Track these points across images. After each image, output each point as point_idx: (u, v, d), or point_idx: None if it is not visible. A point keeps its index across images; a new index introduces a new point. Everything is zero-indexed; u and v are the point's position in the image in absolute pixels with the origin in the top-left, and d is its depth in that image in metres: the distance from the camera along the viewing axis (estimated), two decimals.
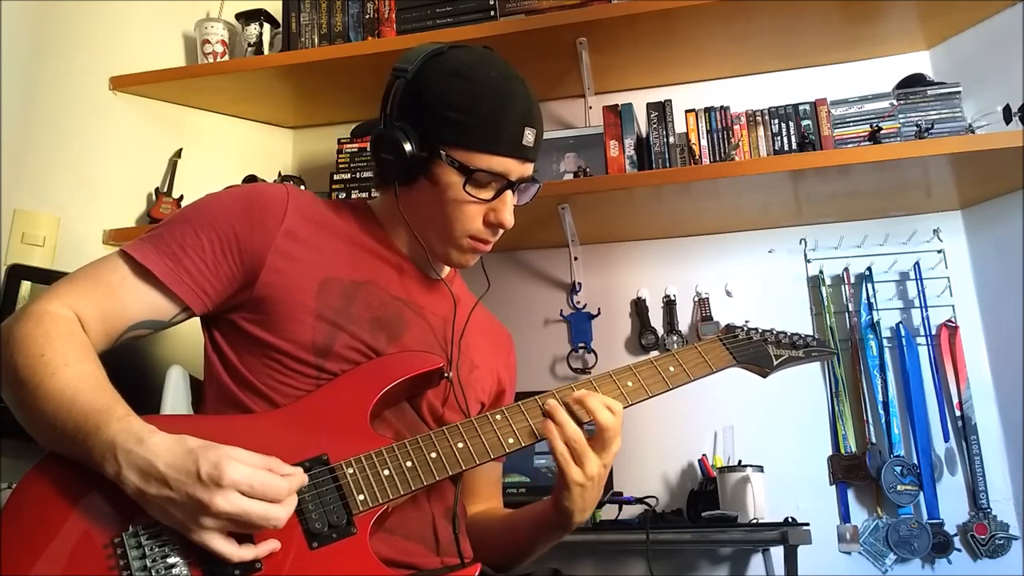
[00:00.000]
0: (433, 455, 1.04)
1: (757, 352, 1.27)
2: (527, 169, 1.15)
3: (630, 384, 1.15)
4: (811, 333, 1.33)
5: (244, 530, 0.90)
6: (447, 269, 1.27)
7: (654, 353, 1.24)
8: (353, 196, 2.34)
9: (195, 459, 0.88)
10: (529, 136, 1.12)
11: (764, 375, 1.28)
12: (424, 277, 1.22)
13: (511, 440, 1.07)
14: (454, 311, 1.20)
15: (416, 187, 1.15)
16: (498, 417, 1.09)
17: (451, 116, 1.10)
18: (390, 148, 1.12)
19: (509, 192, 1.14)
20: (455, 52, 1.16)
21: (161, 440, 0.90)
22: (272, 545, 0.92)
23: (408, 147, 1.11)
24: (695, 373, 1.20)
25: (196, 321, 1.15)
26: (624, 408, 1.10)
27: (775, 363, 1.27)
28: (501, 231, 1.16)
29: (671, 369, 1.19)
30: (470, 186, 1.11)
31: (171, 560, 0.90)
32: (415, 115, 1.12)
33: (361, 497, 0.99)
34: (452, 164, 1.10)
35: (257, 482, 0.88)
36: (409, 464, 1.02)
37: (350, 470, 1.00)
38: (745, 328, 1.30)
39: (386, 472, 1.01)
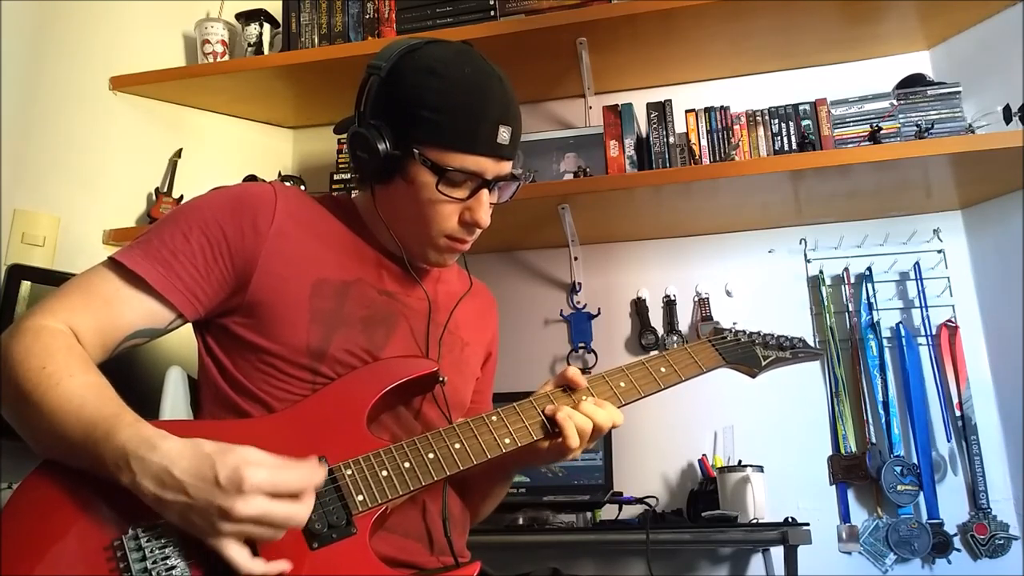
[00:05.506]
0: (431, 456, 1.04)
1: (745, 353, 1.30)
2: (504, 167, 1.13)
3: (623, 385, 1.17)
4: (798, 335, 1.37)
5: (266, 534, 0.88)
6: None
7: (653, 353, 1.25)
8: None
9: (212, 464, 0.86)
10: (504, 134, 1.09)
11: (753, 375, 1.30)
12: (406, 271, 1.20)
13: (507, 441, 1.08)
14: (428, 313, 1.19)
15: (392, 186, 1.13)
16: (494, 418, 1.09)
17: (424, 115, 1.08)
18: (364, 147, 1.11)
19: (485, 191, 1.12)
20: (430, 48, 1.13)
21: (174, 445, 0.89)
22: (282, 566, 0.90)
23: (382, 146, 1.09)
24: (686, 373, 1.22)
25: None
26: (618, 408, 1.13)
27: (763, 363, 1.30)
28: (478, 230, 1.15)
29: (662, 370, 1.20)
30: (444, 185, 1.09)
31: (171, 562, 0.90)
32: (389, 113, 1.11)
33: (360, 498, 0.99)
34: (425, 163, 1.08)
35: (280, 481, 0.87)
36: (407, 465, 1.03)
37: (348, 471, 1.00)
38: (733, 330, 1.33)
39: (384, 473, 1.01)
